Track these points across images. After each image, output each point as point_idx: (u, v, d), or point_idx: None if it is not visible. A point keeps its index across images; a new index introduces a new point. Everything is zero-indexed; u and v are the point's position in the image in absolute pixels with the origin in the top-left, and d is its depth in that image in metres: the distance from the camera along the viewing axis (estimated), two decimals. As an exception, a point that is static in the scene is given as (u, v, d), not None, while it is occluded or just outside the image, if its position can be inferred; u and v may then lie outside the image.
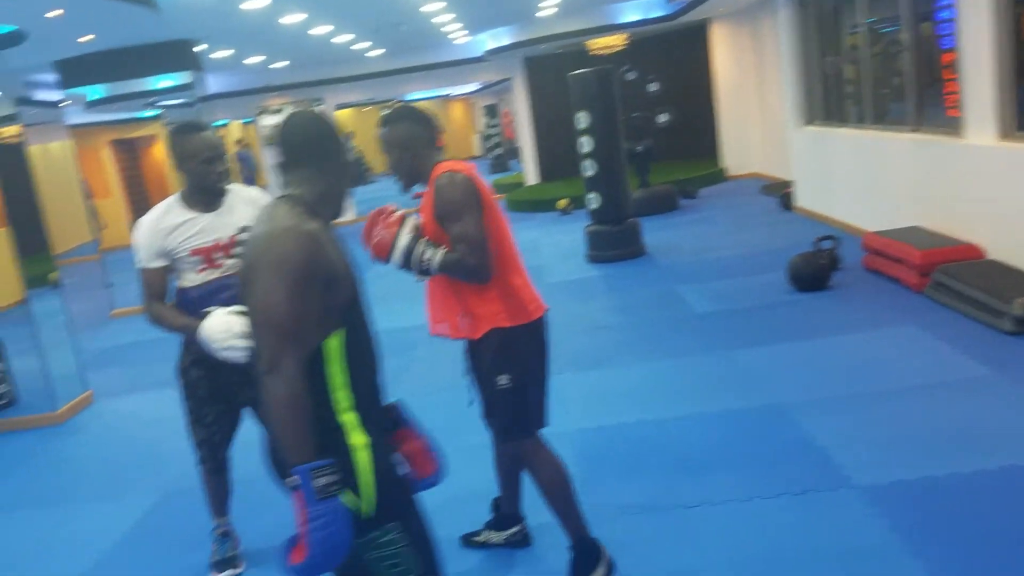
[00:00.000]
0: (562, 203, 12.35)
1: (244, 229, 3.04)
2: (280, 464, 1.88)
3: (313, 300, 1.82)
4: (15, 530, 4.12)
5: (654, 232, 9.21)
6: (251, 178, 24.48)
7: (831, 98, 8.67)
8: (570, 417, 4.46)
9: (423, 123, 2.79)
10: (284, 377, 1.77)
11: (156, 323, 3.04)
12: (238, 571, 3.35)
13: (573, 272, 8.12)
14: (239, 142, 25.43)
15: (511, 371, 2.81)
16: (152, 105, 12.30)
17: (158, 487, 4.37)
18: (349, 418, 1.87)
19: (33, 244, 6.11)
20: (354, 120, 28.21)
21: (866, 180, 7.44)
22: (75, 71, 9.85)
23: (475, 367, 2.96)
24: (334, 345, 1.87)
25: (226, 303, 2.86)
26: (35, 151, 6.18)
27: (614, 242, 8.29)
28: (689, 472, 3.66)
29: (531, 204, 13.25)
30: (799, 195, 9.38)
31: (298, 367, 1.79)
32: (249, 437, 2.88)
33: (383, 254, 2.75)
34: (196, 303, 2.99)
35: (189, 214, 3.05)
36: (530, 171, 15.60)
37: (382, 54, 14.37)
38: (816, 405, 4.13)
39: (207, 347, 2.73)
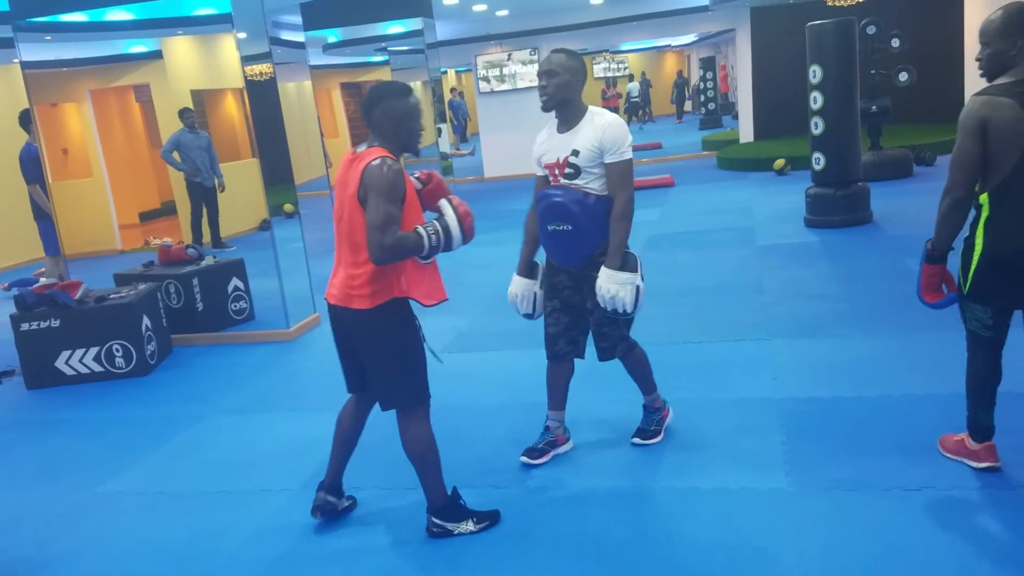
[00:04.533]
0: (779, 163, 11.78)
1: (575, 152, 3.36)
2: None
3: None
4: (254, 429, 4.57)
5: (883, 199, 8.57)
6: (461, 126, 25.27)
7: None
8: (779, 384, 4.31)
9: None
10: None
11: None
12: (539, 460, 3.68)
13: (789, 236, 7.74)
14: (453, 90, 26.24)
15: None
16: (382, 51, 12.96)
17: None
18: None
19: (277, 175, 6.65)
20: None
21: None
22: (317, 14, 10.53)
23: None
24: None
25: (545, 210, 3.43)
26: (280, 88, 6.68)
27: (838, 207, 7.80)
28: (913, 454, 3.42)
29: (745, 163, 12.74)
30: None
31: None
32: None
33: None
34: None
35: (552, 132, 3.49)
36: (745, 128, 14.97)
37: (601, 3, 14.22)
38: (1066, 399, 3.72)
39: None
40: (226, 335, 6.44)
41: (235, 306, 6.63)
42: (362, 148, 2.98)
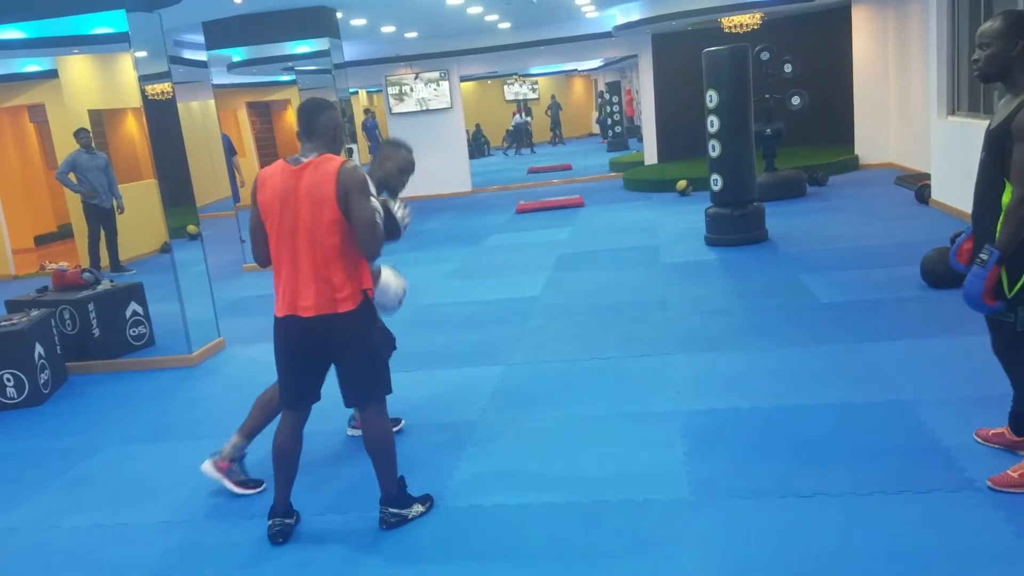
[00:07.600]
0: (681, 184, 12.16)
1: None
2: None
3: None
4: (154, 459, 4.44)
5: (778, 218, 8.96)
6: (376, 147, 25.19)
7: (977, 88, 8.18)
8: (681, 398, 4.45)
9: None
10: None
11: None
12: None
13: (690, 254, 8.00)
14: (367, 111, 26.10)
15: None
16: (288, 70, 12.80)
17: (283, 431, 4.59)
18: None
19: (178, 197, 6.49)
20: (477, 93, 28.48)
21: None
22: (220, 33, 10.34)
23: None
24: None
25: None
26: (180, 108, 6.52)
27: (735, 226, 8.11)
28: (806, 462, 3.58)
29: (649, 184, 13.11)
30: (937, 188, 8.92)
31: None
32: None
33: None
34: None
35: None
36: (650, 150, 15.40)
37: (509, 27, 14.43)
38: (943, 405, 3.97)
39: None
40: (124, 362, 6.23)
41: (134, 331, 6.42)
42: (306, 157, 3.10)
